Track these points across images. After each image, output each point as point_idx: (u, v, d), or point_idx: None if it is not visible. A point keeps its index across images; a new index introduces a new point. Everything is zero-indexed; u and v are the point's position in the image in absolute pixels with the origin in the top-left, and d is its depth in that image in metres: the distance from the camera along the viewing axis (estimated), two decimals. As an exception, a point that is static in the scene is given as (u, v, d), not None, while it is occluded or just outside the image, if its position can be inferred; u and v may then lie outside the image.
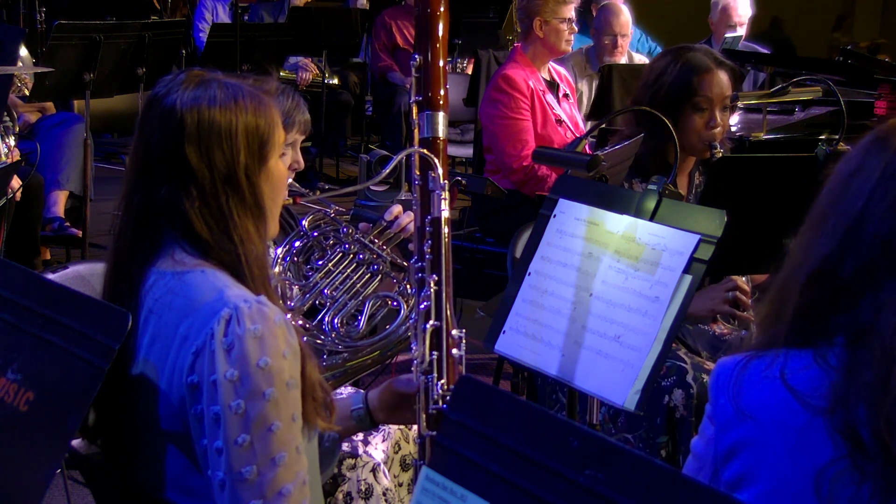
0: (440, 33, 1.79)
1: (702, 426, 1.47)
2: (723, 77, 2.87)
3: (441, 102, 1.79)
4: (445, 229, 1.78)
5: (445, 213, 1.77)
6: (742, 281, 2.66)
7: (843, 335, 1.33)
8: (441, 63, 1.79)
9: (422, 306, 1.76)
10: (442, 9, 1.80)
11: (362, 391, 2.06)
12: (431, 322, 1.74)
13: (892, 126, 1.39)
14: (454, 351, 1.76)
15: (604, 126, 4.08)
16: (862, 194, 1.35)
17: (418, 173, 1.78)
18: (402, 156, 1.80)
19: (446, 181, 1.77)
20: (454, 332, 1.76)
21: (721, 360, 1.45)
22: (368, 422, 1.96)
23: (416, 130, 1.80)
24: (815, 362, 1.34)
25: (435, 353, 1.74)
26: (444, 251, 1.76)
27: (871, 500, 1.26)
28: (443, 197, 1.76)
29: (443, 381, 1.73)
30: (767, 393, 1.36)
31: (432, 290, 1.75)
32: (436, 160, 1.76)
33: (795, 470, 1.32)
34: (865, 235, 1.33)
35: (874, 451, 1.26)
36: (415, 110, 1.80)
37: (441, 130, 1.78)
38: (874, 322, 1.30)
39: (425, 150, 1.76)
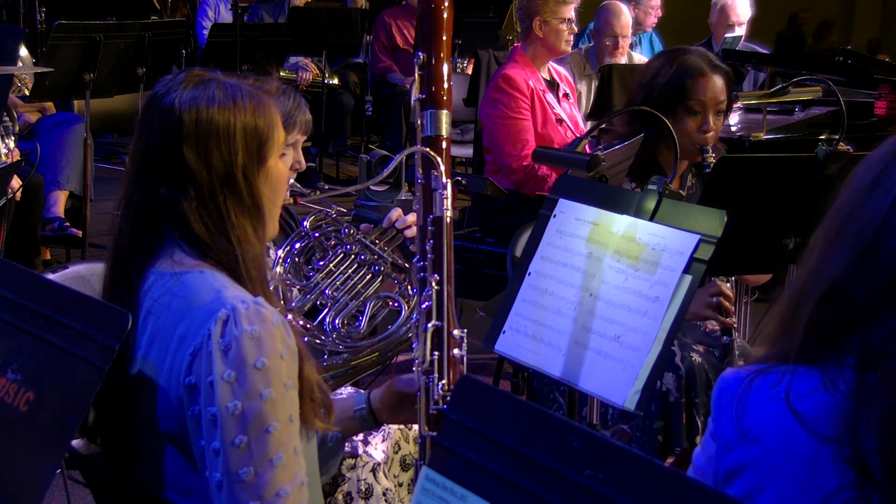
0: (443, 31, 1.78)
1: (703, 440, 1.44)
2: (717, 81, 2.87)
3: (444, 100, 1.77)
4: (448, 221, 1.76)
5: (448, 213, 1.76)
6: (726, 287, 2.66)
7: (854, 357, 1.28)
8: (444, 61, 1.77)
9: (423, 306, 1.75)
10: (446, 3, 1.78)
11: (363, 391, 2.06)
12: (433, 322, 1.74)
13: None
14: (455, 351, 1.75)
15: (605, 126, 4.08)
16: (879, 211, 1.29)
17: (421, 172, 1.77)
18: (404, 154, 1.79)
19: (448, 180, 1.76)
20: (455, 331, 1.76)
21: (724, 374, 1.41)
22: (371, 422, 1.96)
23: (418, 129, 1.78)
24: (822, 386, 1.29)
25: (436, 353, 1.74)
26: (445, 251, 1.75)
27: None
28: (445, 196, 1.76)
29: (444, 381, 1.73)
30: (772, 416, 1.32)
31: (434, 289, 1.74)
32: (438, 159, 1.75)
33: (800, 498, 1.28)
34: (882, 257, 1.27)
35: (883, 483, 1.22)
36: (418, 108, 1.79)
37: (444, 129, 1.77)
38: (886, 348, 1.25)
39: (427, 149, 1.76)
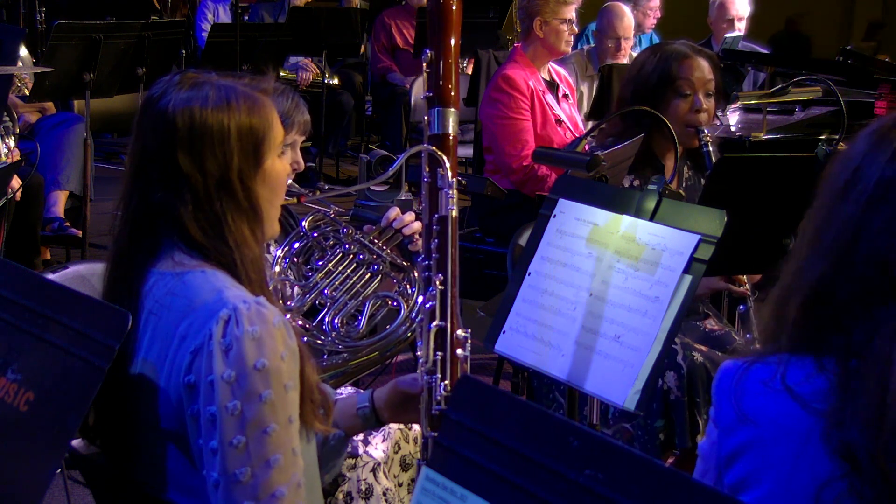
0: (452, 29, 1.74)
1: (707, 428, 1.47)
2: (702, 63, 2.93)
3: (452, 97, 1.74)
4: (453, 220, 1.75)
5: (453, 212, 1.75)
6: None
7: (839, 354, 1.31)
8: (452, 59, 1.74)
9: (427, 306, 1.74)
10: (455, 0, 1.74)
11: (362, 391, 2.06)
12: (436, 322, 1.73)
13: (886, 127, 1.35)
14: (458, 351, 1.75)
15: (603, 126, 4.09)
16: (854, 215, 1.32)
17: (427, 170, 1.75)
18: (410, 153, 1.78)
19: (455, 179, 1.75)
20: (459, 332, 1.75)
21: (724, 363, 1.45)
22: (374, 420, 1.96)
23: (425, 127, 1.76)
24: (815, 369, 1.32)
25: (439, 353, 1.73)
26: (450, 250, 1.74)
27: None
28: (451, 195, 1.74)
29: (446, 381, 1.72)
30: (769, 397, 1.35)
31: (438, 289, 1.74)
32: (444, 158, 1.73)
33: (796, 477, 1.31)
34: (858, 260, 1.30)
35: (872, 476, 1.24)
36: (425, 106, 1.76)
37: (451, 127, 1.74)
38: (868, 348, 1.28)
39: (434, 148, 1.74)
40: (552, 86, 4.45)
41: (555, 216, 2.03)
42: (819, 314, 1.33)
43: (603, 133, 2.99)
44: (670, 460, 2.70)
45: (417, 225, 2.39)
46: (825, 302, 1.32)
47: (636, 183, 2.87)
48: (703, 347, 2.76)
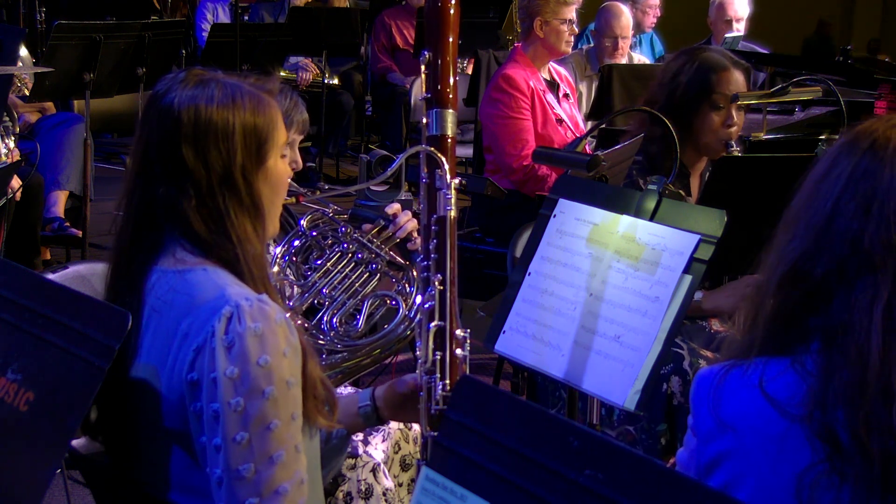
0: (450, 30, 1.74)
1: (686, 437, 1.48)
2: (739, 76, 2.90)
3: (450, 98, 1.74)
4: (451, 221, 1.75)
5: (452, 213, 1.75)
6: None
7: (819, 338, 1.33)
8: (451, 60, 1.74)
9: (426, 306, 1.74)
10: (453, 2, 1.74)
11: (362, 390, 2.06)
12: (435, 322, 1.74)
13: (863, 129, 1.40)
14: (458, 351, 1.75)
15: (605, 126, 4.08)
16: (831, 195, 1.36)
17: (426, 171, 1.76)
18: (408, 153, 1.78)
19: (454, 180, 1.75)
20: (458, 332, 1.75)
21: (700, 371, 1.46)
22: (375, 419, 1.96)
23: (423, 128, 1.77)
24: (791, 367, 1.34)
25: (438, 353, 1.73)
26: (449, 250, 1.74)
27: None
28: (449, 196, 1.75)
29: (446, 381, 1.73)
30: (746, 403, 1.36)
31: (437, 289, 1.74)
32: (443, 158, 1.73)
33: (776, 478, 1.32)
34: (835, 235, 1.34)
35: (852, 454, 1.27)
36: (423, 107, 1.77)
37: (449, 128, 1.75)
38: (847, 322, 1.31)
39: (432, 149, 1.74)
40: (553, 85, 4.45)
41: (555, 216, 2.03)
42: (797, 292, 1.36)
43: (627, 136, 2.97)
44: (672, 460, 2.70)
45: (412, 224, 2.39)
46: (803, 278, 1.35)
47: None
48: (709, 354, 2.76)
